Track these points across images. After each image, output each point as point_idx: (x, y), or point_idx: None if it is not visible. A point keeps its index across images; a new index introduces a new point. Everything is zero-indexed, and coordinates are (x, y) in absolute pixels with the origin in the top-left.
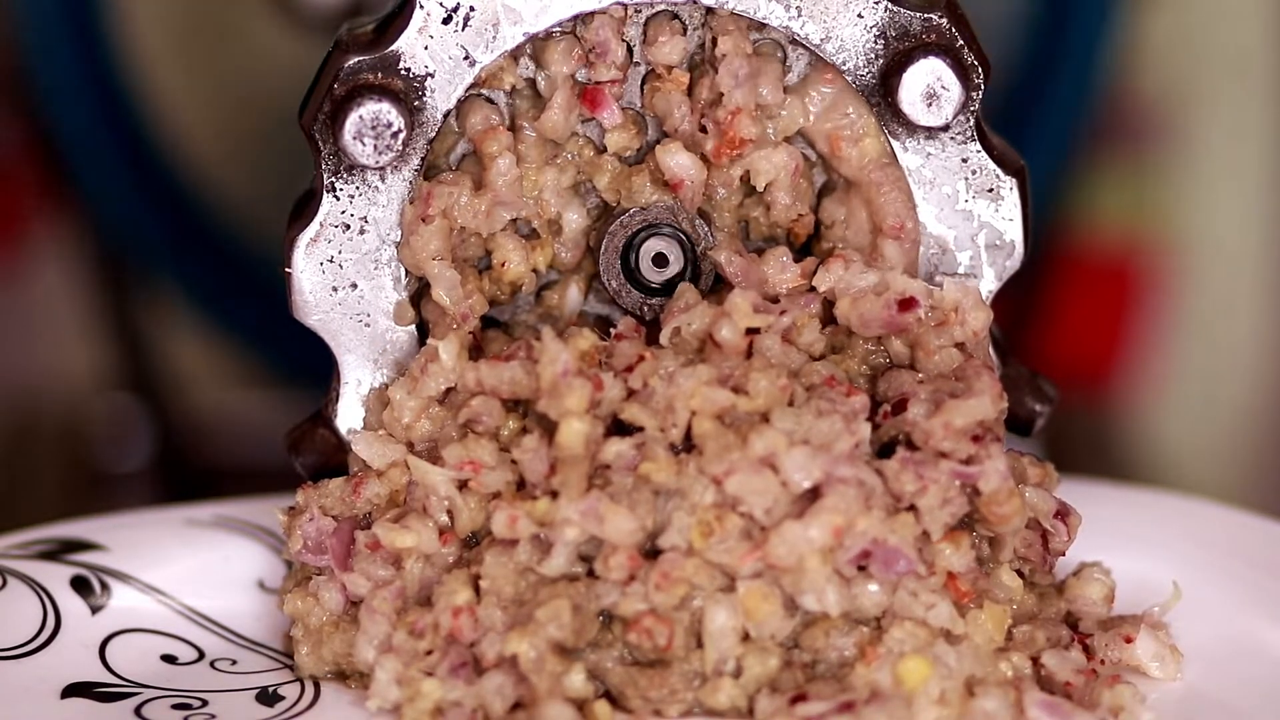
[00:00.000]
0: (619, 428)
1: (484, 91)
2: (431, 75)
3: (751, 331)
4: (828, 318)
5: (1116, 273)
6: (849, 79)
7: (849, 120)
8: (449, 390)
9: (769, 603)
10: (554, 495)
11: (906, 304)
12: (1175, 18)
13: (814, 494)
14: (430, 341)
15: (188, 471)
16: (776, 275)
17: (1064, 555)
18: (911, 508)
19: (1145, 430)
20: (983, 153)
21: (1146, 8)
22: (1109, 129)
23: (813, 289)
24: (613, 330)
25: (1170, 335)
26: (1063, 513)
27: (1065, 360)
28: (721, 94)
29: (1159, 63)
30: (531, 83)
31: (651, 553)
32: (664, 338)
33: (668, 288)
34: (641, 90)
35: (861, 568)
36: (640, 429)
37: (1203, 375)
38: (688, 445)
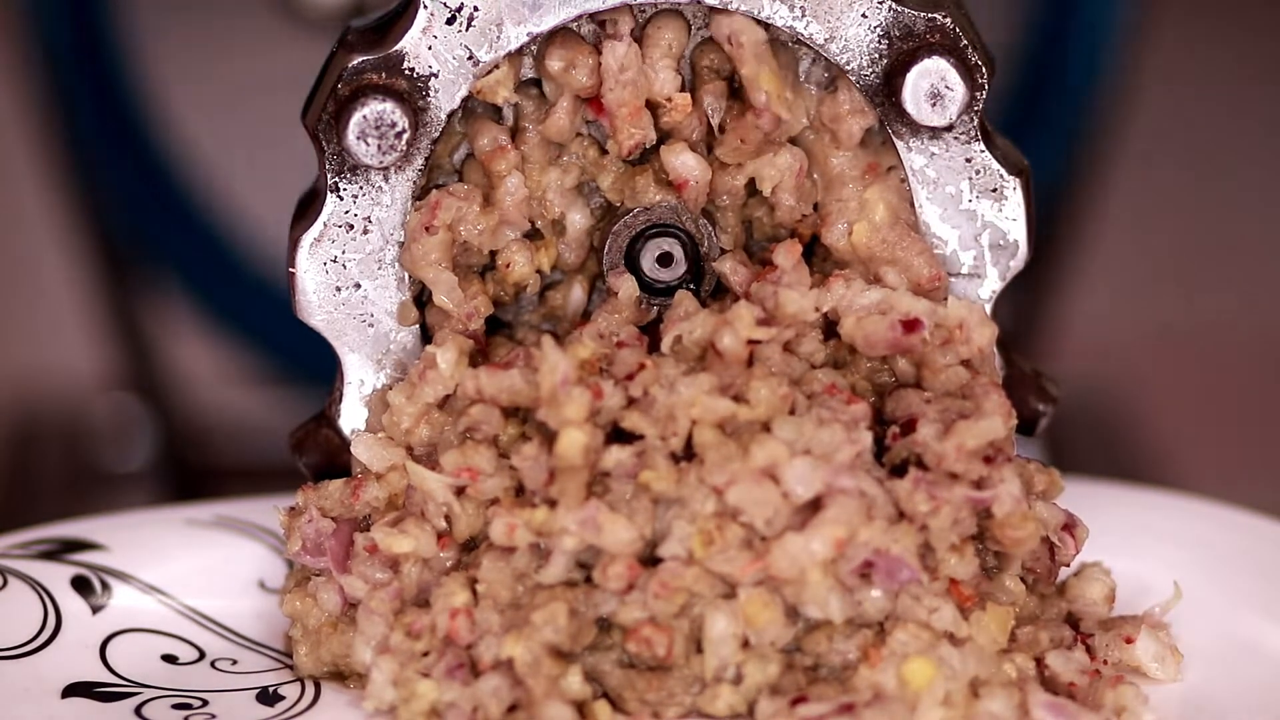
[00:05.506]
0: (619, 435)
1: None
2: (435, 75)
3: (753, 340)
4: (829, 330)
5: None
6: (853, 79)
7: (852, 208)
8: (448, 396)
9: (770, 610)
10: (552, 503)
11: (911, 325)
12: None
13: (815, 504)
14: (428, 349)
15: (188, 471)
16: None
17: (1069, 566)
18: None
19: None
20: (986, 153)
21: None
22: None
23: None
24: (615, 336)
25: None
26: (1070, 525)
27: None
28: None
29: None
30: (536, 83)
31: (650, 560)
32: (665, 345)
33: (672, 288)
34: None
35: (864, 575)
36: (641, 437)
37: None
38: (688, 454)
